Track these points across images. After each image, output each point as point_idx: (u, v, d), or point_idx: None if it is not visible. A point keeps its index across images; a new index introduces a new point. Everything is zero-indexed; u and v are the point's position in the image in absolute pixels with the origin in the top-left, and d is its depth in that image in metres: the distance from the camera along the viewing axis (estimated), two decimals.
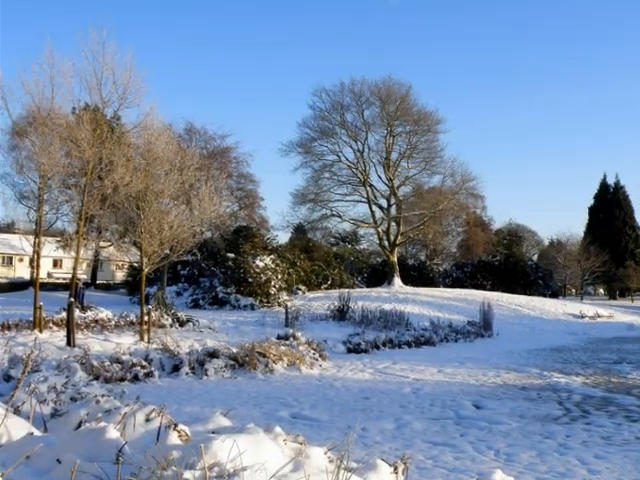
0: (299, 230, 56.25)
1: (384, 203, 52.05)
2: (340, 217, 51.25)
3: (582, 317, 44.30)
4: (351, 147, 51.25)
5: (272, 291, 37.18)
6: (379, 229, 52.10)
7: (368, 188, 50.60)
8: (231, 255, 38.73)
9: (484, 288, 56.85)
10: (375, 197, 51.65)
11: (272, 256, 39.33)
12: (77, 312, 21.92)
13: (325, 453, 4.98)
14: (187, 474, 4.02)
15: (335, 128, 50.48)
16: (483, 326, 32.86)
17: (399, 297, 41.07)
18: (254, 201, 54.86)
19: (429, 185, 54.78)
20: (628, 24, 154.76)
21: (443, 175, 53.20)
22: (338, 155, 51.40)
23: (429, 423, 10.15)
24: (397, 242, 51.18)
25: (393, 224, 52.18)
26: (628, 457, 8.10)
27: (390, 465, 4.85)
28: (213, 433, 4.90)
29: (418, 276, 56.82)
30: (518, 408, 11.63)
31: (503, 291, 55.86)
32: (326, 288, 47.17)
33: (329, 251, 52.20)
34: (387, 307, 38.11)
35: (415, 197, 52.91)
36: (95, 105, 23.65)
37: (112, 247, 39.11)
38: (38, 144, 20.48)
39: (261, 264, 37.83)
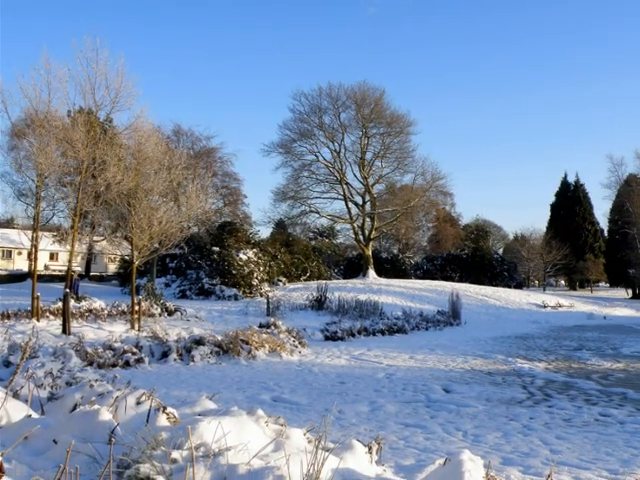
0: (280, 225, 56.17)
1: (359, 200, 52.25)
2: (318, 213, 51.30)
3: (544, 307, 44.64)
4: (328, 147, 51.39)
5: (254, 282, 37.15)
6: (354, 224, 52.20)
7: (344, 186, 50.65)
8: (216, 249, 38.63)
9: (453, 280, 57.12)
10: (351, 194, 51.77)
11: (254, 250, 39.28)
12: (72, 302, 21.85)
13: (304, 434, 5.02)
14: (175, 454, 4.04)
15: (313, 130, 50.57)
16: (452, 315, 33.01)
17: (373, 288, 41.13)
18: (238, 198, 54.82)
19: (401, 183, 55.33)
20: (579, 36, 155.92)
21: (414, 174, 53.58)
22: (316, 155, 51.55)
23: (401, 406, 10.21)
24: (371, 237, 51.33)
25: (368, 220, 52.27)
26: (587, 438, 8.21)
27: (365, 445, 4.90)
28: (199, 415, 4.91)
29: (391, 268, 56.96)
30: (484, 392, 11.73)
31: (471, 282, 56.16)
32: (305, 280, 47.15)
33: (308, 245, 52.12)
34: (362, 297, 38.18)
35: (388, 194, 53.13)
36: (89, 108, 23.57)
37: (105, 241, 38.87)
38: (36, 145, 20.54)
39: (244, 257, 37.81)
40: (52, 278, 45.42)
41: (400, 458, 6.83)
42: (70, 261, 22.27)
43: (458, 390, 11.87)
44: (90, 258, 52.89)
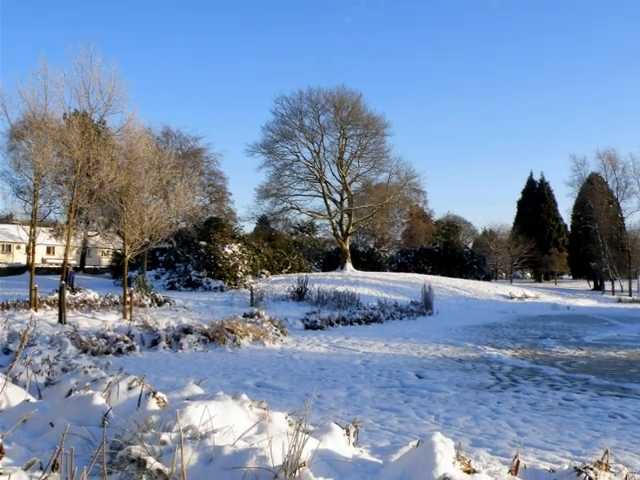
0: (263, 221, 56.10)
1: (337, 197, 52.22)
2: (299, 210, 51.26)
3: (511, 298, 44.92)
4: (308, 148, 51.32)
5: (239, 275, 37.08)
6: (333, 220, 52.20)
7: (323, 184, 50.62)
8: (203, 243, 38.54)
9: (425, 272, 57.34)
10: (330, 192, 51.74)
11: (239, 244, 39.20)
12: (68, 293, 21.78)
13: (286, 417, 5.07)
14: (164, 436, 4.07)
15: (294, 131, 50.54)
16: (424, 305, 33.09)
17: (351, 280, 41.20)
18: (223, 195, 54.71)
19: (377, 181, 55.37)
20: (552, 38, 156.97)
21: (389, 172, 53.76)
22: (297, 155, 51.56)
23: (377, 391, 10.29)
24: (349, 232, 51.30)
25: (345, 216, 52.29)
26: (552, 421, 8.31)
27: (343, 428, 4.95)
28: (187, 400, 4.94)
29: (367, 261, 57.06)
30: (455, 378, 11.83)
31: (442, 275, 56.42)
32: (286, 272, 47.17)
33: (289, 240, 52.16)
34: (340, 289, 38.24)
35: (365, 192, 53.16)
36: (84, 111, 23.54)
37: (98, 236, 38.60)
38: (33, 145, 20.67)
39: (229, 251, 37.74)
40: (49, 271, 45.18)
41: (376, 440, 6.89)
42: (66, 255, 22.19)
43: (430, 376, 11.97)
44: (85, 252, 52.60)
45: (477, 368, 13.26)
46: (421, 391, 10.31)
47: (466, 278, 56.24)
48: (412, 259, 60.95)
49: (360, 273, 47.29)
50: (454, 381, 11.44)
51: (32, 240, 21.69)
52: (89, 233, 38.25)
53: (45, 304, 21.28)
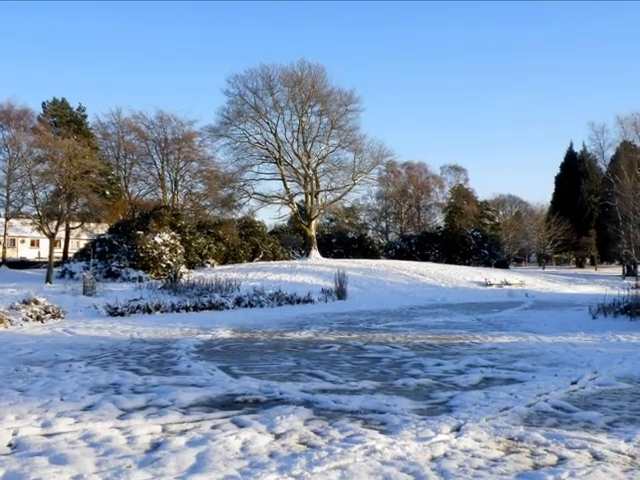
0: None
1: (301, 180, 52.67)
2: (248, 195, 52.25)
3: (487, 285, 44.67)
4: (264, 128, 51.93)
5: (170, 264, 39.21)
6: (291, 204, 53.00)
7: (282, 167, 51.46)
8: (140, 233, 40.96)
9: (428, 259, 57.46)
10: (291, 174, 52.43)
11: (173, 233, 41.32)
12: None
13: None
14: None
15: (249, 111, 51.38)
16: (337, 292, 34.17)
17: (296, 268, 42.53)
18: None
19: (345, 162, 54.92)
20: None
21: (355, 151, 53.32)
22: (251, 137, 52.36)
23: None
24: (312, 217, 51.96)
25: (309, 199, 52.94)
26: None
27: None
28: None
29: (358, 248, 57.76)
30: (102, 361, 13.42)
31: (447, 262, 56.35)
32: (258, 261, 49.03)
33: (263, 227, 53.87)
34: (272, 277, 40.11)
35: (331, 173, 53.51)
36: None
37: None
38: None
39: (159, 240, 39.97)
40: None
41: None
42: None
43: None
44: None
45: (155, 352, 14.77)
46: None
47: (469, 265, 55.86)
48: (415, 244, 60.93)
49: (323, 261, 48.29)
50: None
51: None
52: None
53: None
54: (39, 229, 41.01)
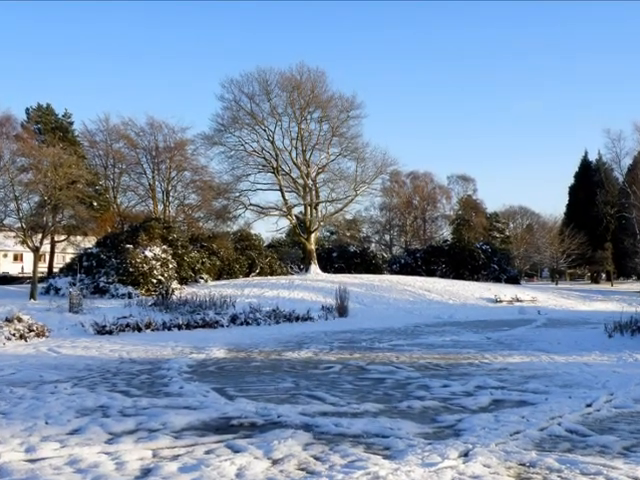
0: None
1: (299, 190, 52.67)
2: (244, 206, 52.27)
3: (497, 301, 44.68)
4: (260, 136, 51.79)
5: (162, 279, 39.22)
6: (289, 216, 52.85)
7: (280, 176, 51.44)
8: (129, 246, 40.99)
9: (434, 274, 57.47)
10: (289, 184, 52.35)
11: (164, 246, 41.34)
12: None
13: None
14: None
15: (244, 118, 51.42)
16: (337, 309, 34.17)
17: (295, 284, 42.57)
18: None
19: (346, 171, 54.94)
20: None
21: (359, 160, 53.13)
22: (248, 145, 52.32)
23: None
24: (312, 229, 51.94)
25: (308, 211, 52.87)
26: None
27: None
28: None
29: (361, 263, 57.79)
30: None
31: (454, 277, 56.35)
32: (255, 276, 49.06)
33: (260, 241, 53.88)
34: (269, 294, 40.13)
35: (331, 183, 53.53)
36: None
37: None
38: None
39: (149, 254, 40.00)
40: None
41: None
42: None
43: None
44: None
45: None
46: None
47: (478, 280, 55.85)
48: (421, 259, 60.94)
49: (323, 276, 48.31)
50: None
51: None
52: None
53: None
54: (23, 242, 40.88)
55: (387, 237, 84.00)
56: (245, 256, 50.04)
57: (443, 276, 57.16)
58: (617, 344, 20.34)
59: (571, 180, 77.63)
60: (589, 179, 73.43)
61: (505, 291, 48.58)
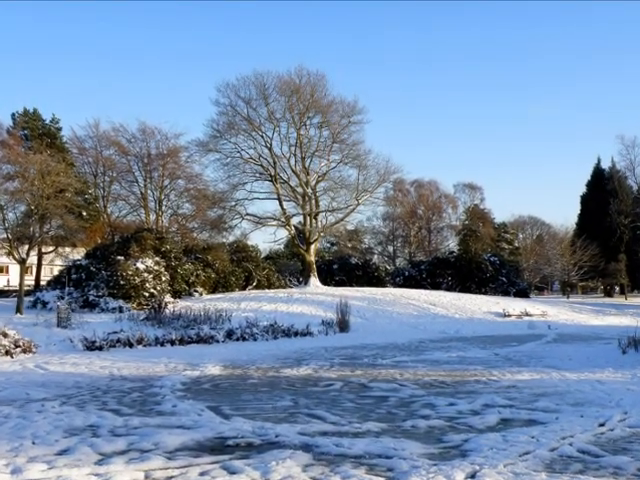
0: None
1: (299, 200, 52.60)
2: (240, 215, 52.16)
3: (505, 316, 44.69)
4: (257, 142, 51.82)
5: (154, 292, 39.20)
6: (287, 226, 52.74)
7: (278, 185, 51.39)
8: (120, 258, 40.94)
9: (439, 286, 57.48)
10: (288, 193, 52.20)
11: (156, 258, 41.32)
12: None
13: None
14: None
15: (241, 124, 51.32)
16: (338, 324, 34.16)
17: (294, 297, 42.58)
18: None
19: (348, 179, 54.69)
20: None
21: (361, 167, 52.99)
22: (243, 151, 52.21)
23: None
24: (311, 240, 51.88)
25: (308, 222, 52.78)
26: None
27: None
28: None
29: (363, 275, 57.80)
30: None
31: (461, 290, 56.34)
32: (252, 289, 49.06)
33: (257, 253, 53.87)
34: (267, 308, 40.12)
35: (332, 192, 53.46)
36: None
37: None
38: None
39: (142, 266, 39.98)
40: None
41: None
42: None
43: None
44: None
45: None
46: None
47: (485, 293, 55.84)
48: (426, 271, 60.95)
49: (324, 289, 48.31)
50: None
51: None
52: None
53: None
54: (8, 254, 40.85)
55: (390, 248, 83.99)
56: (241, 268, 50.03)
57: (449, 289, 57.20)
58: (631, 360, 20.30)
59: (583, 189, 77.67)
60: (602, 188, 73.37)
61: (514, 305, 48.58)
